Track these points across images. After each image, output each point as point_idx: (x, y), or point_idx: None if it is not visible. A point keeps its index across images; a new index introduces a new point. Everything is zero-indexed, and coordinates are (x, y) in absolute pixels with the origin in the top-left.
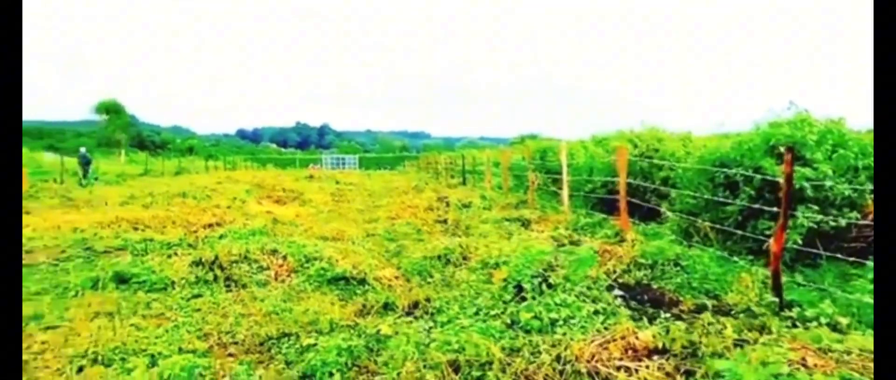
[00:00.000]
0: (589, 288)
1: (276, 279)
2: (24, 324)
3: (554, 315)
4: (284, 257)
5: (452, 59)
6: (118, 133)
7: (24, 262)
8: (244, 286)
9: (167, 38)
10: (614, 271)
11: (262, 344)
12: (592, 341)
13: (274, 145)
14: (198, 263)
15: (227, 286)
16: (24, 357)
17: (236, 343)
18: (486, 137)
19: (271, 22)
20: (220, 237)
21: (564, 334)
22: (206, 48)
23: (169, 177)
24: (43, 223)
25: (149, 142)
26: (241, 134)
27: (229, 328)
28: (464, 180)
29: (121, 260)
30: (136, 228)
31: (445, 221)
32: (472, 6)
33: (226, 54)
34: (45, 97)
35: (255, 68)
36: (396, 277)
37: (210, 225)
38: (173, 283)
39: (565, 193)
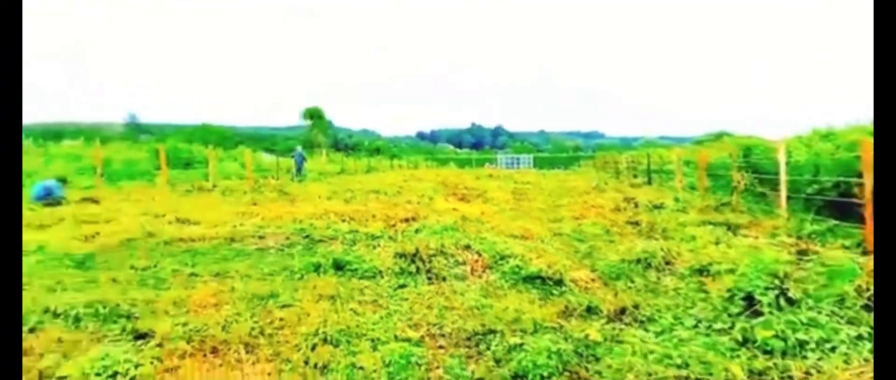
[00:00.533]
0: (840, 306)
1: (472, 274)
2: (263, 302)
3: (802, 336)
4: (478, 253)
5: (626, 59)
6: (319, 136)
7: (256, 246)
8: (443, 279)
9: (363, 52)
10: (866, 288)
11: (469, 339)
12: (862, 373)
13: (450, 146)
14: (400, 255)
15: (429, 279)
16: (268, 331)
17: (444, 335)
18: (667, 135)
19: (447, 28)
20: (416, 231)
21: (820, 359)
22: (387, 58)
23: (361, 175)
24: (268, 214)
25: (342, 144)
26: (420, 136)
27: (436, 320)
28: (649, 180)
29: (334, 248)
30: (343, 220)
31: (637, 223)
32: (634, 12)
33: (403, 61)
34: (263, 106)
35: (432, 74)
36: (593, 280)
37: (406, 219)
38: (381, 272)
39: (783, 194)
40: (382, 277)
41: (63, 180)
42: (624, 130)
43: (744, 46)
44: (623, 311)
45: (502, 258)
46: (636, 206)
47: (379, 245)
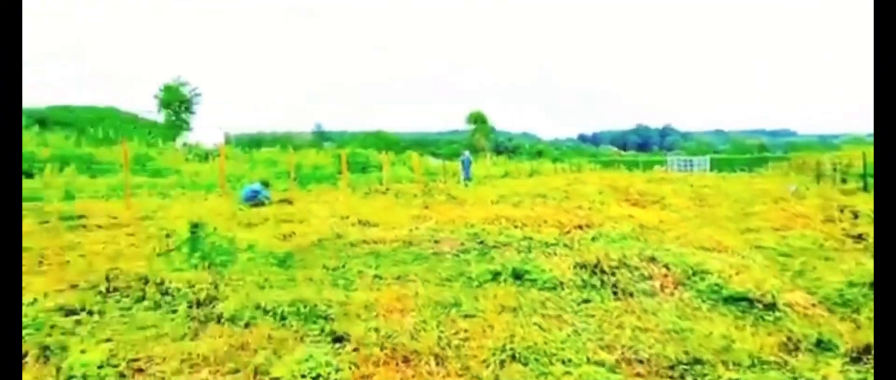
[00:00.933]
0: None
1: (662, 291)
2: (445, 310)
3: None
4: (666, 267)
5: (823, 44)
6: (482, 140)
7: (432, 250)
8: (631, 295)
9: (523, 54)
10: None
11: (671, 368)
12: None
13: (614, 148)
14: (580, 265)
15: (614, 293)
16: (455, 342)
17: (641, 361)
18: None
19: (613, 24)
20: (593, 239)
21: None
22: (547, 60)
23: (524, 178)
24: (441, 218)
25: (502, 147)
26: (582, 138)
27: (629, 342)
28: (865, 186)
29: (509, 256)
30: (515, 226)
31: (860, 237)
32: None
33: (561, 61)
34: (417, 112)
35: (594, 73)
36: (813, 305)
37: (580, 226)
38: (561, 283)
39: None
40: (563, 288)
41: (266, 183)
42: (820, 126)
43: None
44: (866, 349)
45: (695, 274)
46: (856, 216)
47: (555, 254)
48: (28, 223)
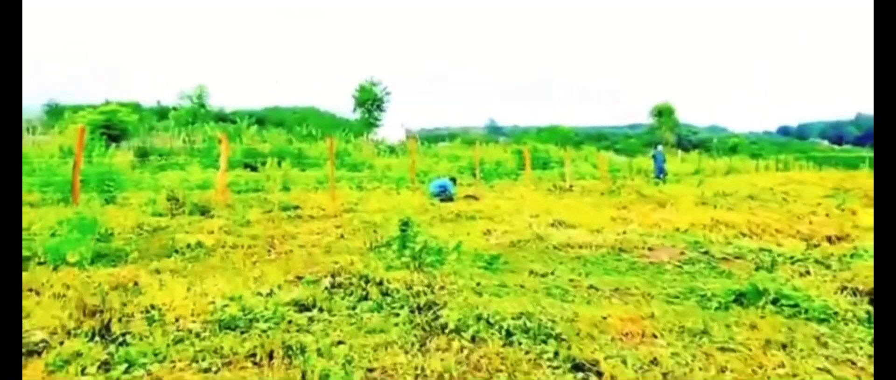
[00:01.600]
0: None
1: None
2: (694, 339)
3: None
4: None
5: None
6: (668, 134)
7: (649, 259)
8: None
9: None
10: None
11: None
12: None
13: (825, 142)
14: (852, 291)
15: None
16: (705, 375)
17: None
18: None
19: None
20: (852, 256)
21: None
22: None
23: (720, 176)
24: (645, 220)
25: (686, 141)
26: (784, 131)
27: None
28: None
29: (746, 271)
30: (743, 234)
31: None
32: None
33: (749, 44)
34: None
35: (796, 55)
36: None
37: (828, 238)
38: (836, 314)
39: None
40: (841, 321)
41: (454, 179)
42: None
43: None
44: None
45: None
46: None
47: (808, 272)
48: (255, 213)
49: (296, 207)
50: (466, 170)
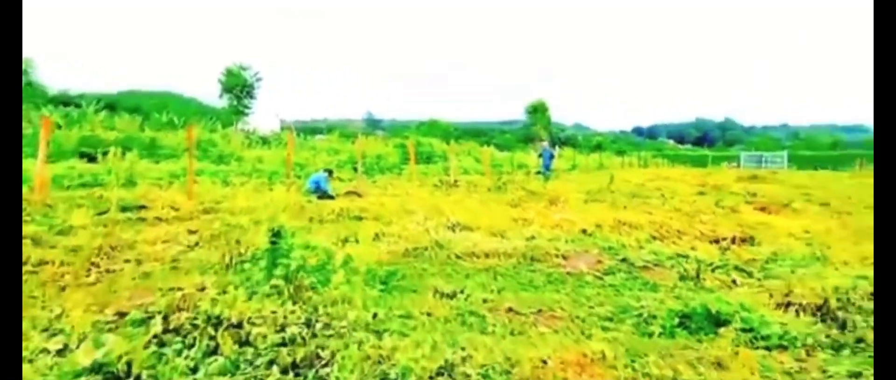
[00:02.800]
0: None
1: None
2: (622, 374)
3: None
4: None
5: None
6: (542, 131)
7: (566, 269)
8: None
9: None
10: None
11: None
12: None
13: (671, 141)
14: (796, 306)
15: (856, 350)
16: None
17: None
18: None
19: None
20: (768, 262)
21: None
22: (600, 45)
23: (595, 172)
24: (543, 220)
25: (555, 138)
26: (637, 131)
27: None
28: None
29: (672, 282)
30: (653, 238)
31: None
32: None
33: (616, 51)
34: (480, 102)
35: (647, 64)
36: None
37: (733, 239)
38: (796, 340)
39: None
40: (799, 348)
41: (330, 172)
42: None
43: None
44: None
45: None
46: None
47: (736, 283)
48: (83, 215)
49: (141, 207)
50: (347, 164)
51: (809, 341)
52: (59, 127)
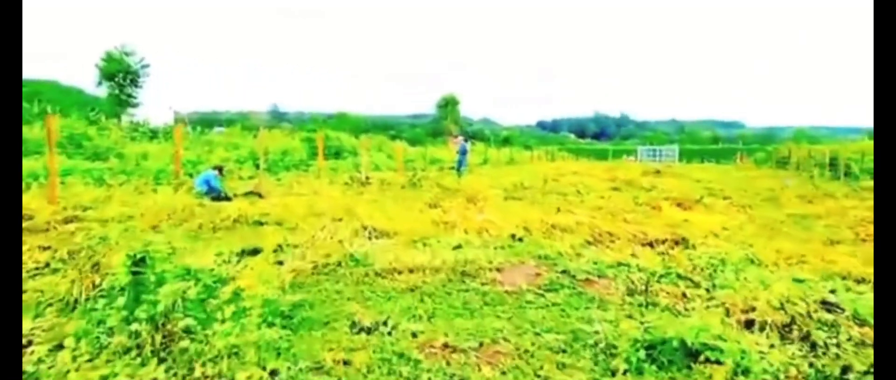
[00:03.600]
0: None
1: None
2: None
3: None
4: (857, 318)
5: (771, 41)
6: (452, 125)
7: (504, 288)
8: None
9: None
10: None
11: None
12: None
13: (572, 136)
14: (760, 325)
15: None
16: None
17: None
18: (824, 126)
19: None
20: (715, 269)
21: None
22: (509, 46)
23: (505, 167)
24: (467, 223)
25: (464, 133)
26: (541, 125)
27: None
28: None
29: (620, 298)
30: (588, 242)
31: None
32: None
33: (522, 49)
34: (385, 99)
35: (552, 61)
36: None
37: (667, 241)
38: (778, 374)
39: None
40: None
41: (220, 169)
42: (767, 119)
43: None
44: None
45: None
46: None
47: (687, 296)
48: None
49: None
50: (248, 160)
51: (793, 372)
52: None
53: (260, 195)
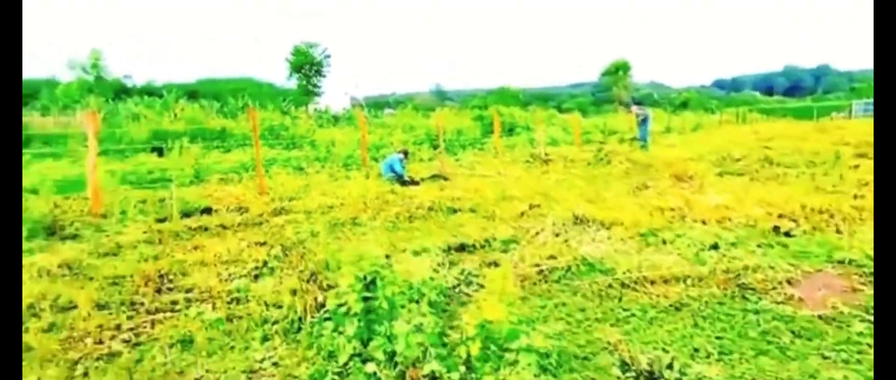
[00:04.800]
0: None
1: None
2: None
3: None
4: None
5: None
6: (622, 92)
7: (792, 305)
8: None
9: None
10: None
11: None
12: None
13: (757, 94)
14: None
15: None
16: None
17: None
18: None
19: None
20: None
21: None
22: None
23: (692, 134)
24: (692, 212)
25: (629, 99)
26: (719, 84)
27: None
28: None
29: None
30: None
31: None
32: None
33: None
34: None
35: (727, 9)
36: None
37: None
38: None
39: None
40: None
41: (405, 153)
42: None
43: None
44: None
45: None
46: None
47: None
48: (137, 229)
49: (205, 211)
50: (425, 141)
51: None
52: (137, 118)
53: (444, 178)
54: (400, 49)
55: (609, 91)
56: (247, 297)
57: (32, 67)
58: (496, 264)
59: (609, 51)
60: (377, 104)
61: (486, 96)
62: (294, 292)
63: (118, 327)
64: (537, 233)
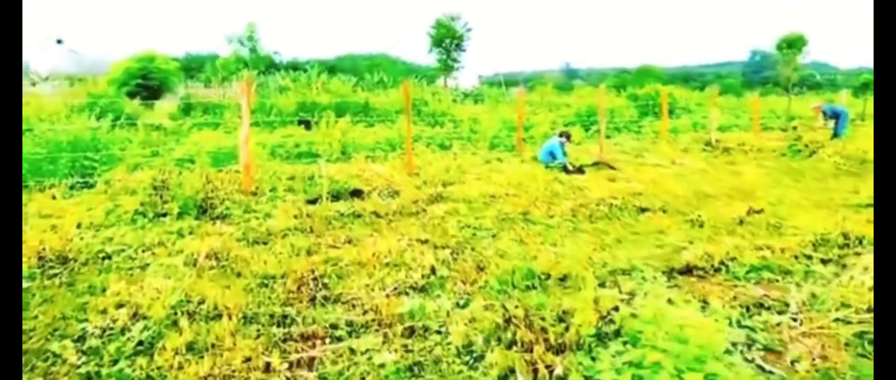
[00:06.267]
0: None
1: None
2: None
3: None
4: None
5: None
6: (790, 71)
7: None
8: None
9: None
10: None
11: None
12: None
13: None
14: None
15: None
16: None
17: None
18: None
19: None
20: None
21: None
22: None
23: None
24: None
25: (790, 82)
26: None
27: None
28: None
29: None
30: None
31: None
32: None
33: None
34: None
35: None
36: None
37: None
38: None
39: None
40: None
41: (567, 135)
42: None
43: None
44: None
45: None
46: None
47: None
48: (287, 211)
49: (355, 193)
50: (575, 122)
51: None
52: (284, 91)
53: (610, 166)
54: (527, 26)
55: (761, 72)
56: (425, 328)
57: (197, 45)
58: (755, 312)
59: (757, 27)
60: (507, 82)
61: (622, 75)
62: (497, 339)
63: (268, 368)
64: (830, 263)
